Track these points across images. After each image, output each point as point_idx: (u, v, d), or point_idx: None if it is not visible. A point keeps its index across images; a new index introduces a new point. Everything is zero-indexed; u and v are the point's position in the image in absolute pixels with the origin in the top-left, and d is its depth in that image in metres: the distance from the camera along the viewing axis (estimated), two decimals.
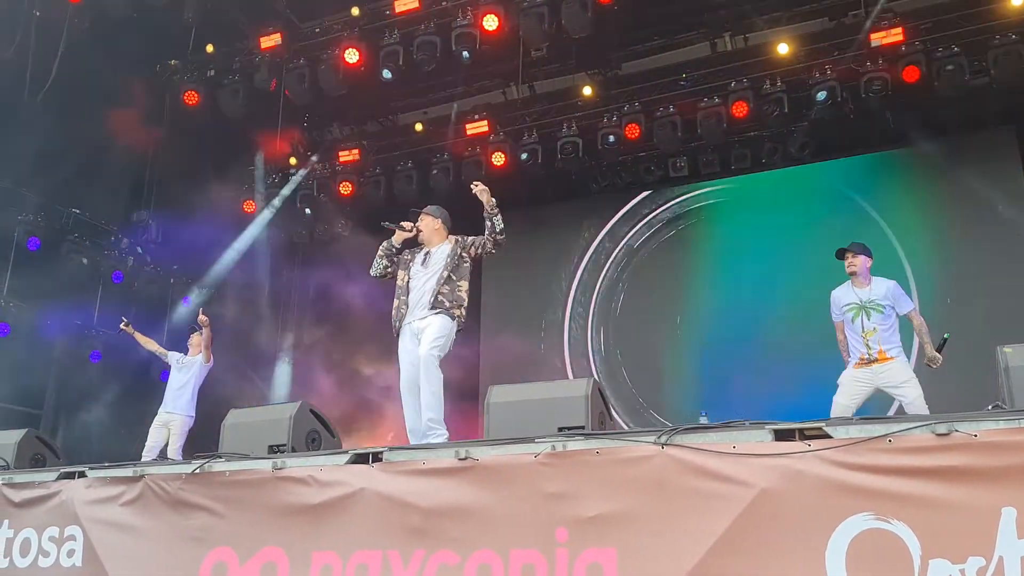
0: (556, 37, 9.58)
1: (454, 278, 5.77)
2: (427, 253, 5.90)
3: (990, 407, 3.69)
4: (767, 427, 3.53)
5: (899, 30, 9.28)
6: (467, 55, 9.86)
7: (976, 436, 3.12)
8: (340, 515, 4.23)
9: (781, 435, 3.49)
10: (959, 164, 10.19)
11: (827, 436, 3.39)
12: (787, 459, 3.38)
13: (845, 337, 6.40)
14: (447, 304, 5.70)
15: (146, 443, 8.33)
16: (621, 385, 11.26)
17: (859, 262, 6.32)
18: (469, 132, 11.31)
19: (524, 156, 11.18)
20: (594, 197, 12.14)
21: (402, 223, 5.93)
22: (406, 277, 5.90)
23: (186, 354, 8.70)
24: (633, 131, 10.66)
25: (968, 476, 3.10)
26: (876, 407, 6.57)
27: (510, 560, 3.74)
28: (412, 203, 11.88)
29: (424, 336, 5.70)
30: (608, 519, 3.62)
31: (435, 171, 11.58)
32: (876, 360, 6.15)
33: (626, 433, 3.86)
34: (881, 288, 6.28)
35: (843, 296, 6.42)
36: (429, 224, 5.96)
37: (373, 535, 4.09)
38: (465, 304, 5.81)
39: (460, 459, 4.00)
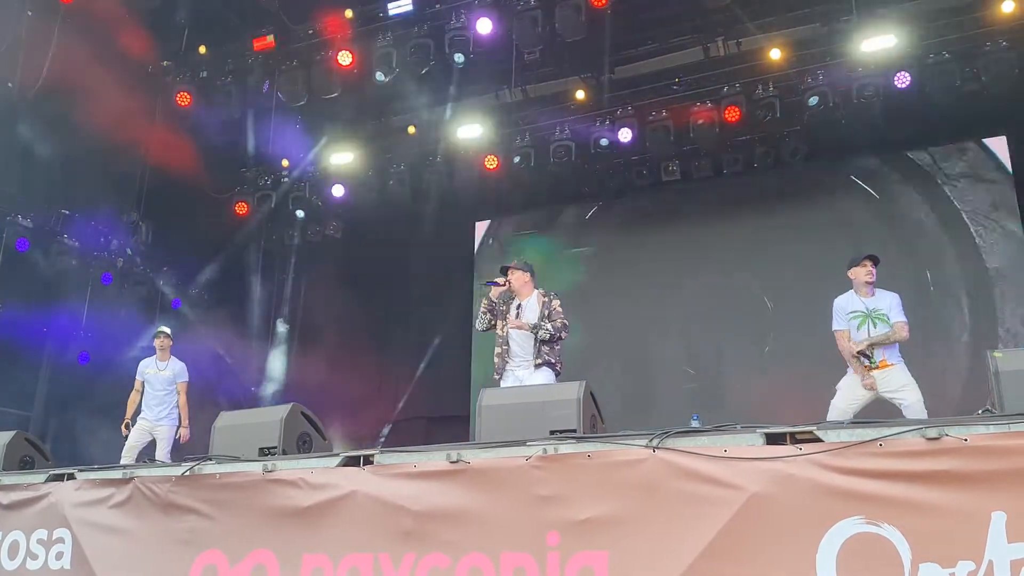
0: (549, 41, 9.57)
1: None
2: (519, 306, 6.58)
3: (980, 412, 3.70)
4: (758, 430, 3.54)
5: (891, 36, 9.32)
6: (460, 58, 9.86)
7: (966, 440, 3.14)
8: (331, 518, 4.22)
9: (772, 439, 3.49)
10: (949, 170, 10.25)
11: (818, 440, 3.40)
12: (778, 463, 3.38)
13: (848, 344, 6.37)
14: (552, 360, 6.42)
15: (127, 442, 8.27)
16: (614, 387, 11.26)
17: (875, 273, 6.36)
18: (462, 135, 11.31)
19: (517, 159, 11.19)
20: (588, 200, 12.15)
21: (497, 279, 6.61)
22: (505, 328, 6.56)
23: (153, 355, 8.57)
24: (626, 135, 10.69)
25: (958, 480, 3.11)
26: (869, 412, 6.59)
27: (501, 563, 3.74)
28: (405, 206, 12.00)
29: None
30: (599, 522, 3.62)
31: (428, 174, 11.59)
32: (876, 368, 6.18)
33: (617, 436, 3.85)
34: (886, 299, 6.33)
35: (848, 303, 6.43)
36: (519, 278, 6.60)
37: (364, 538, 4.08)
38: (559, 353, 6.51)
39: (451, 462, 3.99)
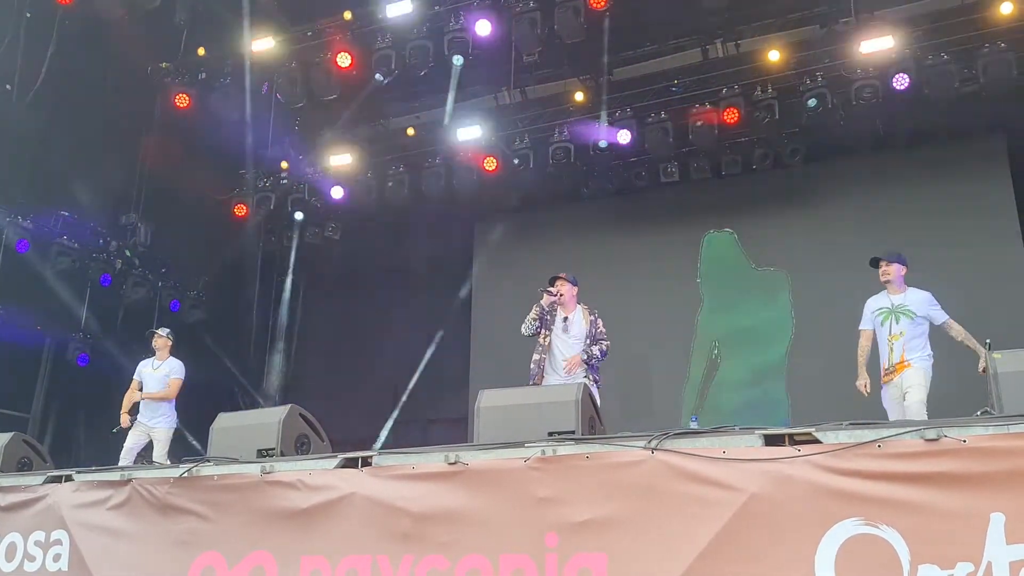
0: (548, 43, 9.58)
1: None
2: (565, 319, 6.79)
3: (979, 413, 3.69)
4: (757, 432, 3.53)
5: (889, 37, 9.33)
6: (459, 60, 9.87)
7: (965, 442, 3.13)
8: (329, 519, 4.21)
9: (771, 440, 3.48)
10: (948, 171, 10.25)
11: (817, 441, 3.39)
12: (777, 464, 3.38)
13: (867, 346, 6.37)
14: (597, 378, 6.69)
15: (125, 444, 8.24)
16: (613, 389, 11.25)
17: (892, 270, 6.33)
18: (461, 137, 11.31)
19: (516, 161, 11.20)
20: (585, 202, 12.15)
21: (551, 289, 6.79)
22: (548, 336, 6.79)
23: (154, 356, 8.52)
24: (625, 137, 10.69)
25: (957, 482, 3.10)
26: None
27: (500, 565, 3.73)
28: (404, 207, 12.00)
29: None
30: (598, 524, 3.62)
31: (427, 175, 11.59)
32: (895, 371, 6.16)
33: (616, 438, 3.85)
34: (915, 297, 6.31)
35: (875, 302, 6.45)
36: (568, 290, 6.82)
37: (362, 539, 4.08)
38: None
39: (450, 463, 3.99)
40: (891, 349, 6.21)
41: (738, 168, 11.14)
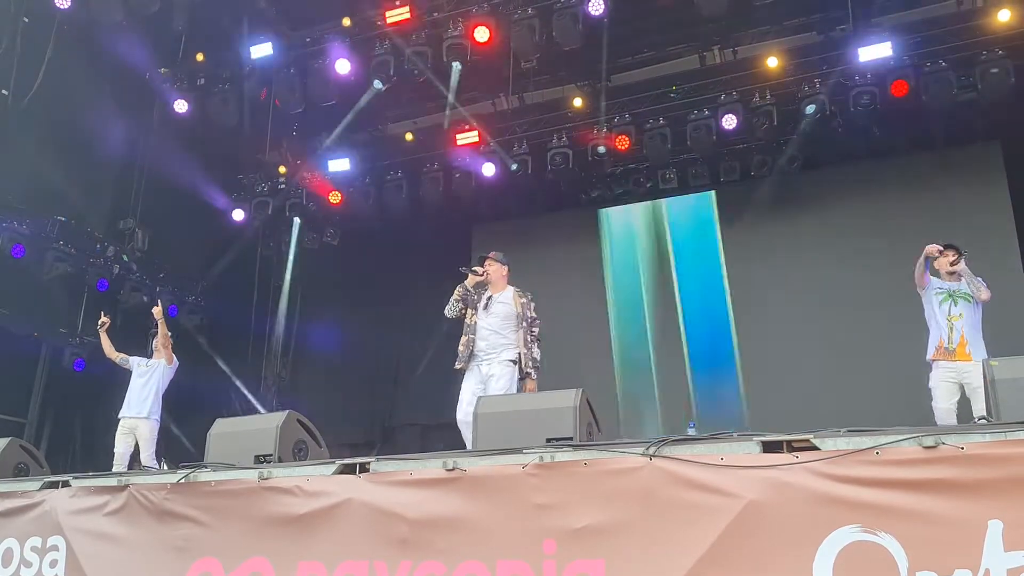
0: (547, 49, 9.61)
1: (520, 334, 6.44)
2: (490, 297, 6.54)
3: (977, 420, 3.69)
4: (755, 439, 3.53)
5: (887, 44, 9.35)
6: (458, 66, 9.89)
7: (963, 449, 3.13)
8: (327, 525, 4.20)
9: (769, 447, 3.48)
10: (946, 178, 10.27)
11: (814, 448, 3.39)
12: (774, 471, 3.37)
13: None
14: (514, 359, 6.35)
15: (115, 451, 8.23)
16: (611, 395, 11.25)
17: (962, 265, 6.34)
18: (459, 142, 11.32)
19: (514, 167, 11.21)
20: (584, 208, 12.16)
21: (475, 268, 6.60)
22: (474, 317, 6.54)
23: (151, 357, 8.57)
24: (623, 143, 10.71)
25: (955, 489, 3.10)
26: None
27: (497, 571, 3.72)
28: (402, 213, 12.00)
29: (491, 387, 6.26)
30: (596, 530, 3.61)
31: (425, 181, 11.59)
32: (955, 354, 6.14)
33: (614, 444, 3.84)
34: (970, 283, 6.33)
35: (936, 280, 6.45)
36: (497, 270, 6.62)
37: (360, 545, 4.07)
38: (523, 352, 6.40)
39: (448, 470, 3.98)
40: (951, 328, 6.21)
41: (736, 174, 11.16)
